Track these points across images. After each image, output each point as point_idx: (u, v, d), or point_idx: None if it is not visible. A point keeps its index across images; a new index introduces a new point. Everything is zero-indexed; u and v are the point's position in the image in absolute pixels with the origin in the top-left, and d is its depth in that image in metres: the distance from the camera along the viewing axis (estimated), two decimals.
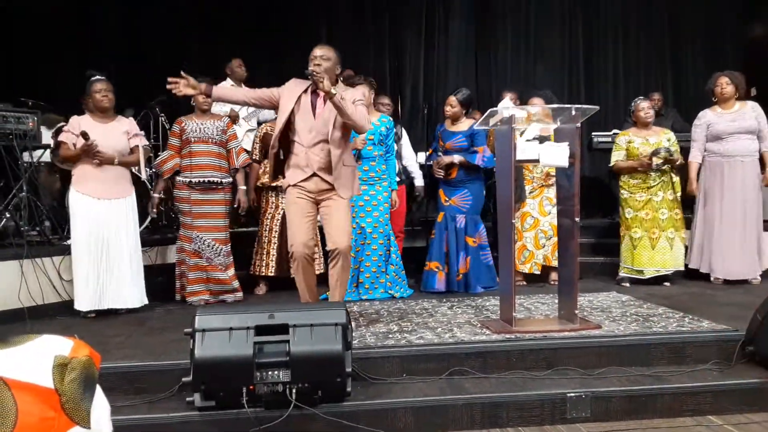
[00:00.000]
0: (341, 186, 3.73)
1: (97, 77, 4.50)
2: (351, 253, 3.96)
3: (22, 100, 5.48)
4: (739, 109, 5.16)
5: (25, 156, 4.95)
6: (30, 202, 4.78)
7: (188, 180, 4.75)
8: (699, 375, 3.30)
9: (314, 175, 3.71)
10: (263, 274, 5.11)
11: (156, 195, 4.97)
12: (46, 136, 5.33)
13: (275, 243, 5.08)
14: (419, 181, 5.65)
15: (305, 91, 3.73)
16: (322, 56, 3.65)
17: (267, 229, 5.11)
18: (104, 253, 4.33)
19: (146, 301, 4.56)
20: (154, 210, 5.05)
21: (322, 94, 3.67)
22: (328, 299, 4.68)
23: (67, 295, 4.53)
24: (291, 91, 3.76)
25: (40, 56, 7.03)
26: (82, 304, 4.31)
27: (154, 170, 6.13)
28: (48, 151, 5.31)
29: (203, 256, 4.73)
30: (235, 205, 4.99)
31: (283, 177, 3.83)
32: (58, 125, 5.15)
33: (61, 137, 4.38)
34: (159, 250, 5.38)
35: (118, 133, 4.43)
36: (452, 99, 5.05)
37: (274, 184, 5.04)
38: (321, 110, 3.70)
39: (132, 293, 4.45)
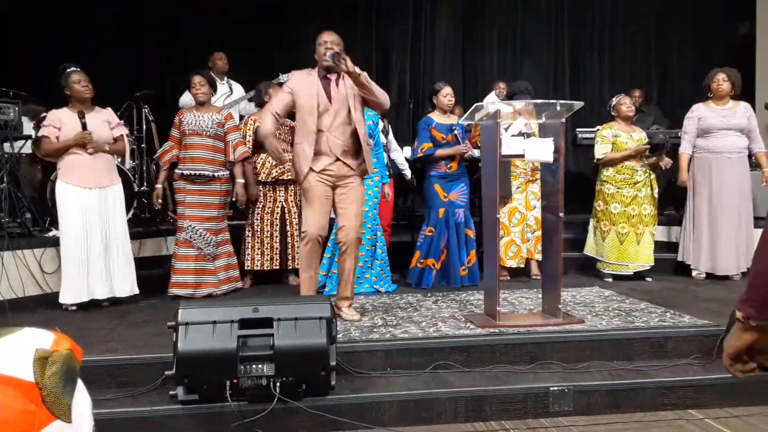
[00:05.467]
0: (369, 164, 3.87)
1: (73, 68, 4.43)
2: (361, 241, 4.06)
3: (3, 90, 5.40)
4: (732, 107, 5.18)
5: (6, 147, 4.87)
6: (11, 194, 4.72)
7: (182, 172, 4.71)
8: (680, 369, 3.34)
9: (337, 159, 3.78)
10: (267, 268, 5.07)
11: (159, 186, 4.85)
12: (28, 127, 5.26)
13: (277, 237, 5.06)
14: (408, 173, 5.68)
15: (315, 80, 3.79)
16: (333, 41, 3.75)
17: (268, 223, 5.06)
18: (95, 243, 4.29)
19: (137, 291, 4.53)
20: (159, 200, 4.95)
21: (332, 78, 3.78)
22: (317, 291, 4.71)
23: (48, 288, 4.49)
24: (303, 84, 3.80)
25: (26, 46, 6.95)
26: (69, 296, 4.25)
27: (137, 162, 6.09)
28: (29, 142, 5.24)
29: (194, 245, 4.69)
30: (233, 199, 4.92)
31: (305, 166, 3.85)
32: (41, 116, 5.08)
33: (43, 131, 4.31)
34: (141, 243, 5.32)
35: (100, 123, 4.39)
36: (449, 89, 5.05)
37: (282, 178, 5.01)
38: (335, 94, 3.78)
39: (123, 283, 4.44)
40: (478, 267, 5.05)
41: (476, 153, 4.99)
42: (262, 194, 5.10)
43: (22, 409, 1.05)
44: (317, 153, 3.78)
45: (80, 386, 1.19)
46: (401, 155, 5.63)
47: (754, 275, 1.34)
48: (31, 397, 1.07)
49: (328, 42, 3.73)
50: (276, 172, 5.01)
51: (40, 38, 7.02)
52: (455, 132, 4.99)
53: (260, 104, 5.26)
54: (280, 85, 6.04)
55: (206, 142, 4.71)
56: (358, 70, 3.60)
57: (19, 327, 1.16)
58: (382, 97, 3.79)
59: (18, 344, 1.10)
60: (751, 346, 1.37)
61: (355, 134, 3.81)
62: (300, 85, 3.80)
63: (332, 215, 3.99)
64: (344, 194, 3.82)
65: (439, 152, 5.02)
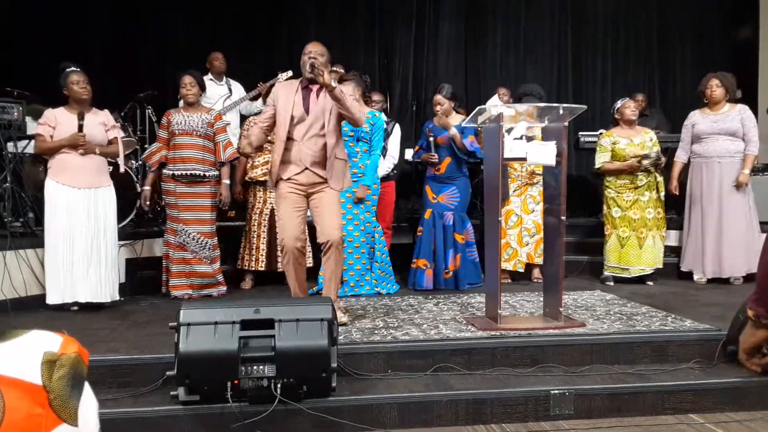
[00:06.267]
0: (334, 177, 3.78)
1: (73, 68, 4.43)
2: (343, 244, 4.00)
3: (7, 90, 5.42)
4: (727, 111, 5.20)
5: (10, 146, 4.89)
6: (14, 193, 4.73)
7: (172, 173, 4.73)
8: (681, 374, 3.33)
9: (306, 169, 3.75)
10: (252, 268, 5.09)
11: (147, 188, 4.88)
12: (31, 127, 5.27)
13: (264, 237, 5.07)
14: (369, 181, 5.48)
15: (296, 90, 3.79)
16: (317, 51, 3.73)
17: (255, 223, 5.09)
18: (80, 244, 4.27)
19: (117, 297, 4.48)
20: (147, 203, 4.96)
21: (314, 89, 3.78)
22: (317, 294, 4.70)
23: None
24: (283, 95, 3.80)
25: (24, 46, 6.96)
26: (54, 297, 4.24)
27: (140, 162, 6.10)
28: (33, 141, 5.26)
29: (188, 249, 4.71)
30: (217, 199, 4.95)
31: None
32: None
33: (38, 129, 4.30)
34: (144, 243, 5.33)
35: (96, 125, 4.39)
36: (439, 98, 5.07)
37: (262, 179, 5.04)
38: (313, 105, 3.77)
39: (106, 287, 4.38)
40: (468, 271, 5.06)
41: (453, 131, 5.00)
42: (252, 195, 5.12)
43: (28, 412, 1.05)
44: (286, 161, 3.77)
45: (87, 390, 1.19)
46: (392, 161, 5.44)
47: (760, 277, 1.37)
48: (38, 400, 1.07)
49: (312, 52, 3.71)
50: (255, 172, 5.03)
51: (43, 38, 7.03)
52: (430, 138, 5.07)
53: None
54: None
55: (197, 142, 4.73)
56: (334, 83, 3.60)
57: (27, 329, 1.16)
58: (357, 114, 3.77)
59: (26, 347, 1.11)
60: (765, 341, 1.43)
61: (326, 147, 3.77)
62: (280, 95, 3.81)
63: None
64: (318, 199, 3.79)
65: (422, 156, 5.19)
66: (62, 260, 4.24)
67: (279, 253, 5.03)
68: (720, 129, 5.15)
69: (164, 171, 4.79)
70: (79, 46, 7.01)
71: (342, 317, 3.88)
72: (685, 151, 5.38)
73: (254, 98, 6.21)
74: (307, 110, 3.76)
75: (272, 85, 5.86)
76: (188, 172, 4.69)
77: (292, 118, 3.73)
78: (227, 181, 4.88)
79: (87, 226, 4.31)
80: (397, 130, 5.50)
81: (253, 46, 7.82)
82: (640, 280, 5.22)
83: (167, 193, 4.81)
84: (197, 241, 4.71)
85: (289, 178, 3.77)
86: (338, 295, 4.46)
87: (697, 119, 5.28)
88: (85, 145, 4.29)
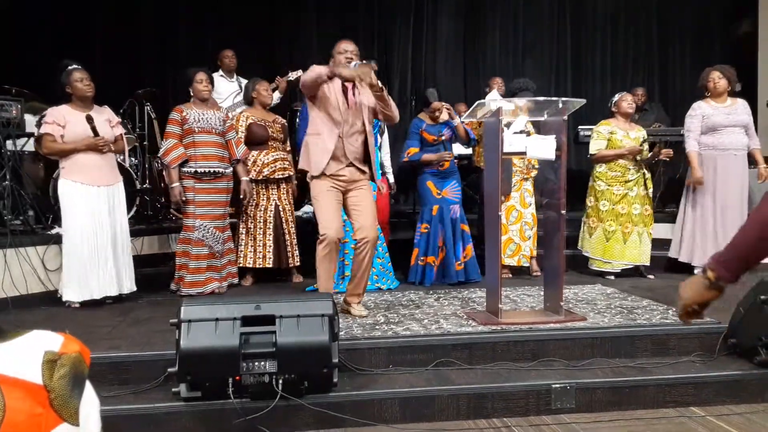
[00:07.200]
0: (373, 172, 3.95)
1: (74, 66, 4.40)
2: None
3: (6, 88, 5.41)
4: (732, 104, 5.18)
5: (9, 144, 4.88)
6: (14, 191, 4.73)
7: (194, 170, 4.63)
8: (682, 367, 3.34)
9: (351, 164, 3.84)
10: (260, 266, 5.05)
11: (177, 184, 4.63)
12: (30, 125, 5.27)
13: (271, 234, 5.05)
14: (391, 177, 5.62)
15: (333, 84, 3.82)
16: (354, 51, 3.79)
17: (261, 221, 5.05)
18: (105, 241, 4.29)
19: (135, 288, 4.54)
20: (184, 198, 4.80)
21: (349, 86, 3.84)
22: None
23: (51, 285, 4.49)
24: (329, 83, 3.80)
25: (24, 45, 6.95)
26: (75, 294, 4.24)
27: (140, 159, 6.10)
28: (32, 139, 5.25)
29: (206, 244, 4.69)
30: (241, 196, 4.91)
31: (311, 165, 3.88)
32: (43, 113, 5.08)
33: (46, 129, 4.23)
34: (145, 240, 5.33)
35: (102, 122, 4.38)
36: (437, 104, 5.05)
37: (272, 176, 5.01)
38: (352, 101, 3.84)
39: (128, 280, 4.47)
40: (476, 262, 5.07)
41: (457, 121, 5.04)
42: (256, 192, 5.09)
43: (29, 412, 1.05)
44: (331, 156, 3.81)
45: (88, 389, 1.19)
46: (388, 158, 5.58)
47: (740, 241, 1.37)
48: (39, 399, 1.07)
49: (349, 52, 3.76)
50: (267, 170, 5.01)
51: (43, 37, 7.02)
52: (443, 136, 5.06)
53: (249, 101, 5.24)
54: (289, 82, 6.05)
55: (216, 139, 4.71)
56: (380, 83, 3.67)
57: (28, 329, 1.16)
58: (396, 111, 3.91)
59: (27, 347, 1.11)
60: (709, 302, 1.47)
61: (366, 143, 3.89)
62: (330, 83, 3.81)
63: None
64: (357, 196, 3.89)
65: (425, 157, 5.07)
66: (89, 258, 4.24)
67: (295, 241, 5.06)
68: (735, 121, 5.10)
69: (183, 169, 4.64)
70: (79, 45, 6.99)
71: (363, 311, 3.98)
72: (696, 140, 5.20)
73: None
74: (348, 105, 3.83)
75: (289, 81, 5.92)
76: (212, 170, 4.65)
77: (331, 109, 3.79)
78: (246, 178, 4.85)
79: (109, 222, 4.33)
80: (386, 127, 5.53)
81: (252, 44, 7.81)
82: (640, 273, 5.22)
83: (185, 190, 4.67)
84: (214, 236, 4.70)
85: (332, 174, 3.83)
86: (338, 290, 4.50)
87: (707, 110, 5.17)
88: (107, 145, 4.32)
